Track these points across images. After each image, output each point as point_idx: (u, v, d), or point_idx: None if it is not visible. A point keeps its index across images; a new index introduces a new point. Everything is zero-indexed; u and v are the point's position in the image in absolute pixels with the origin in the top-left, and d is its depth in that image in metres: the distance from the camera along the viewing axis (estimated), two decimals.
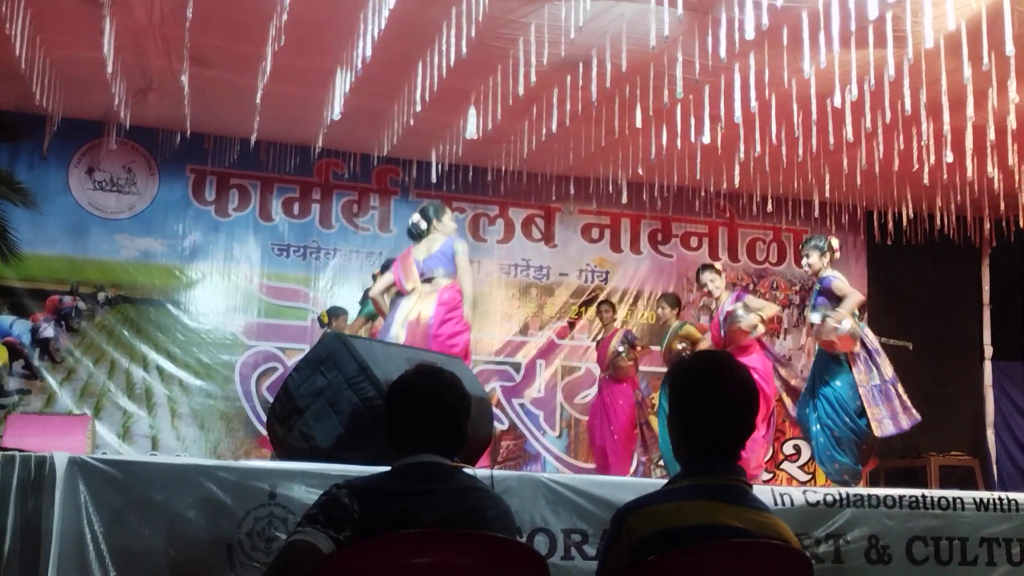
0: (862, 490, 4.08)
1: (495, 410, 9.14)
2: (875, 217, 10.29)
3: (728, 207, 10.60)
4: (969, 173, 7.63)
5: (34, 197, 8.80)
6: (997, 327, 10.93)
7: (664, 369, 8.46)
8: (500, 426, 9.63)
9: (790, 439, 9.20)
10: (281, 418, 4.09)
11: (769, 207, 9.74)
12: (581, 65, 6.66)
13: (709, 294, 7.61)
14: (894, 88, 6.26)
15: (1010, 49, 5.33)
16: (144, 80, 7.87)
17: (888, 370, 6.44)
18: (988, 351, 10.92)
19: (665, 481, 2.57)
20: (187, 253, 9.40)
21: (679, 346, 8.06)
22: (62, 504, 3.05)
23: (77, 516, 3.08)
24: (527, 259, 10.31)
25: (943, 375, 10.79)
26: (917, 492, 4.07)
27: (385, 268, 7.10)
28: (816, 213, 9.58)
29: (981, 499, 4.13)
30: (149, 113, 8.47)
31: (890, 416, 6.32)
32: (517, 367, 10.06)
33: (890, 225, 9.68)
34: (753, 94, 6.30)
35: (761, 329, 7.30)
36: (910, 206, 9.41)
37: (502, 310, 10.08)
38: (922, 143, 7.26)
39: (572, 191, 9.67)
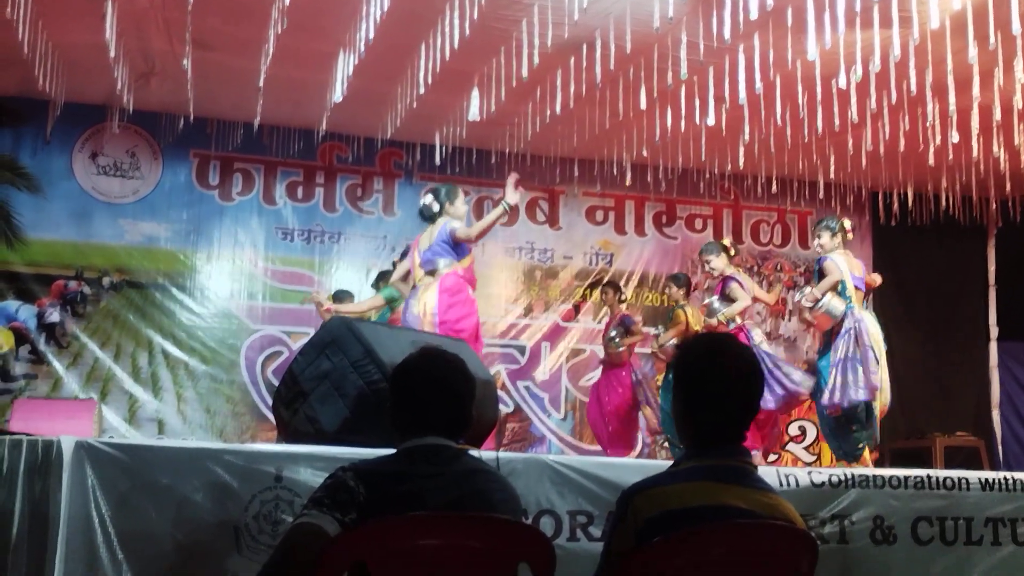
0: (867, 470, 4.09)
1: (500, 393, 9.15)
2: (880, 198, 10.26)
3: (733, 189, 10.58)
4: (975, 153, 7.59)
5: (38, 182, 8.80)
6: (1003, 307, 10.91)
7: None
8: (505, 409, 9.64)
9: (795, 420, 9.19)
10: (286, 402, 4.10)
11: (774, 188, 9.75)
12: (585, 47, 6.64)
13: (708, 274, 7.59)
14: (899, 68, 6.23)
15: (1016, 28, 5.31)
16: (146, 64, 7.86)
17: (866, 338, 6.36)
18: (993, 331, 10.92)
19: (670, 463, 2.57)
20: (191, 238, 9.40)
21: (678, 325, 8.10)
22: (69, 488, 3.06)
23: (84, 500, 3.09)
24: (531, 242, 10.30)
25: (948, 356, 10.80)
26: (922, 472, 4.08)
27: (404, 255, 7.10)
28: (821, 194, 9.55)
29: (986, 479, 4.14)
30: (152, 97, 8.45)
31: (840, 388, 6.28)
32: (522, 350, 10.07)
33: (895, 206, 9.65)
34: (758, 75, 6.28)
35: (738, 321, 7.24)
36: (915, 187, 9.40)
37: (506, 293, 10.08)
38: (927, 123, 7.23)
39: (576, 173, 9.67)
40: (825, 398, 6.36)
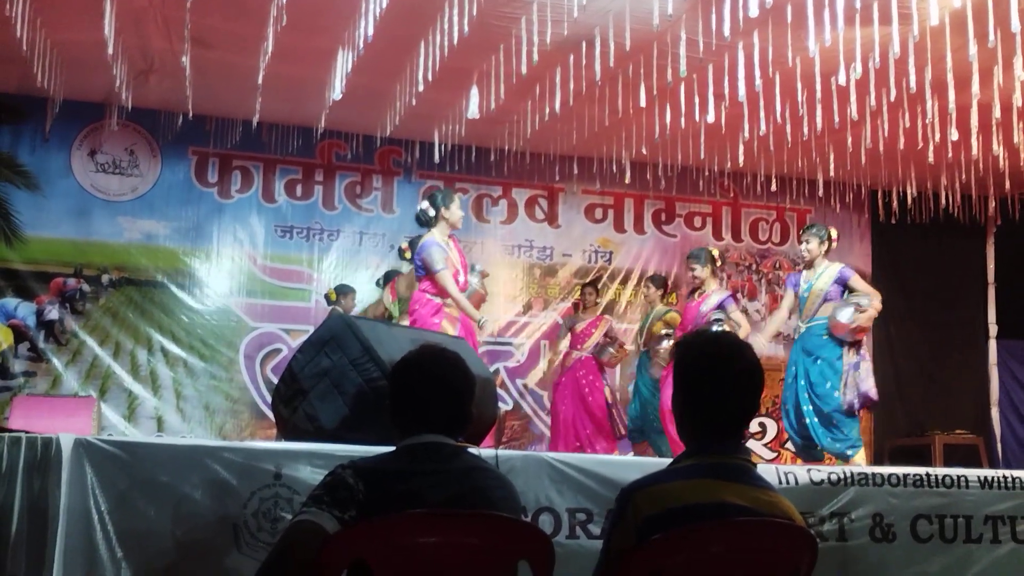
0: (866, 468, 4.09)
1: (499, 391, 9.16)
2: (880, 196, 10.25)
3: (732, 187, 10.57)
4: (974, 151, 7.59)
5: (36, 180, 8.80)
6: (1002, 306, 10.91)
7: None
8: (505, 407, 9.64)
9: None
10: (286, 399, 4.10)
11: (773, 187, 9.74)
12: (584, 44, 6.63)
13: (693, 278, 7.67)
14: (899, 66, 6.22)
15: (1016, 26, 5.30)
16: (145, 61, 7.85)
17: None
18: (993, 330, 10.92)
19: (669, 460, 2.57)
20: (190, 235, 9.38)
21: (662, 331, 8.15)
22: (68, 485, 3.06)
23: (83, 497, 3.09)
24: (530, 240, 10.30)
25: (947, 354, 10.81)
26: (921, 470, 4.08)
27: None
28: (820, 192, 9.55)
29: (985, 477, 4.14)
30: (150, 95, 8.45)
31: (862, 383, 6.57)
32: (521, 348, 10.07)
33: (895, 204, 9.65)
34: (757, 73, 6.27)
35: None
36: (915, 185, 9.38)
37: (505, 291, 10.07)
38: (927, 121, 7.23)
39: (575, 171, 9.66)
40: (850, 396, 6.49)
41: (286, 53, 7.09)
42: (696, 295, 7.62)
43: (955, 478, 4.09)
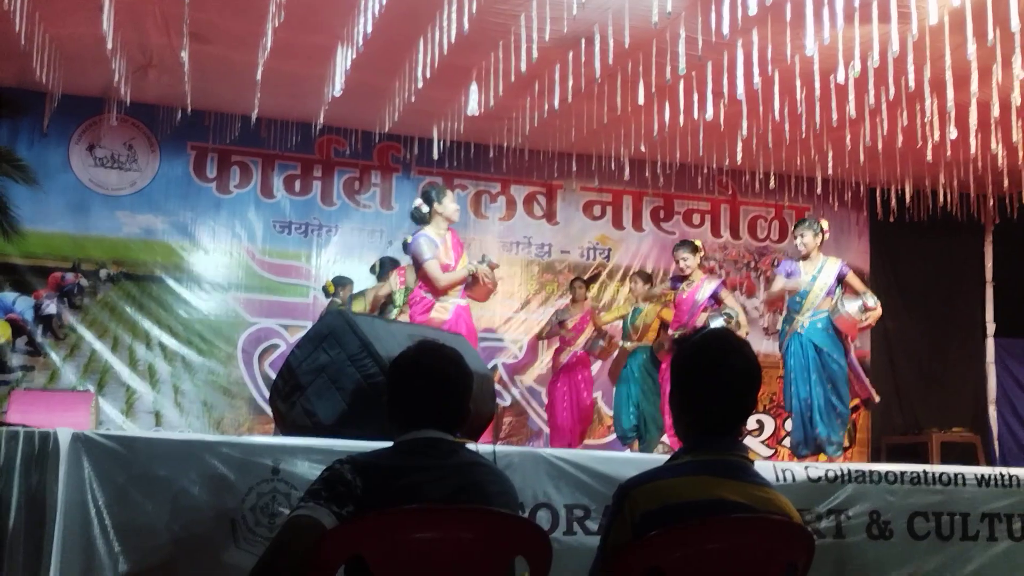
0: (864, 466, 4.10)
1: (497, 387, 9.16)
2: (878, 194, 10.26)
3: (730, 184, 10.58)
4: (973, 150, 7.60)
5: (35, 174, 8.77)
6: (999, 304, 10.92)
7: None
8: (502, 403, 9.65)
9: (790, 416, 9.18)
10: (283, 395, 4.10)
11: (772, 184, 9.72)
12: (583, 41, 6.63)
13: (681, 270, 7.69)
14: (898, 64, 6.22)
15: (1015, 25, 5.30)
16: (144, 56, 7.84)
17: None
18: (990, 328, 10.93)
19: (667, 457, 2.58)
20: (189, 230, 9.39)
21: (648, 321, 8.21)
22: (66, 480, 3.07)
23: (81, 492, 3.09)
24: (529, 236, 10.30)
25: (945, 352, 10.82)
26: (919, 468, 4.08)
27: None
28: (819, 190, 9.55)
29: (982, 475, 4.15)
30: (149, 90, 8.44)
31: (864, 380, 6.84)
32: (519, 344, 10.07)
33: (893, 202, 9.65)
34: (756, 70, 6.27)
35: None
36: (913, 183, 9.38)
37: (504, 288, 10.05)
38: (925, 120, 7.22)
39: (574, 168, 9.65)
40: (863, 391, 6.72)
41: (285, 49, 7.08)
42: (685, 286, 7.66)
43: (952, 476, 4.09)
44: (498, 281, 6.56)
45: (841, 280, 6.77)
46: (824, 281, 6.74)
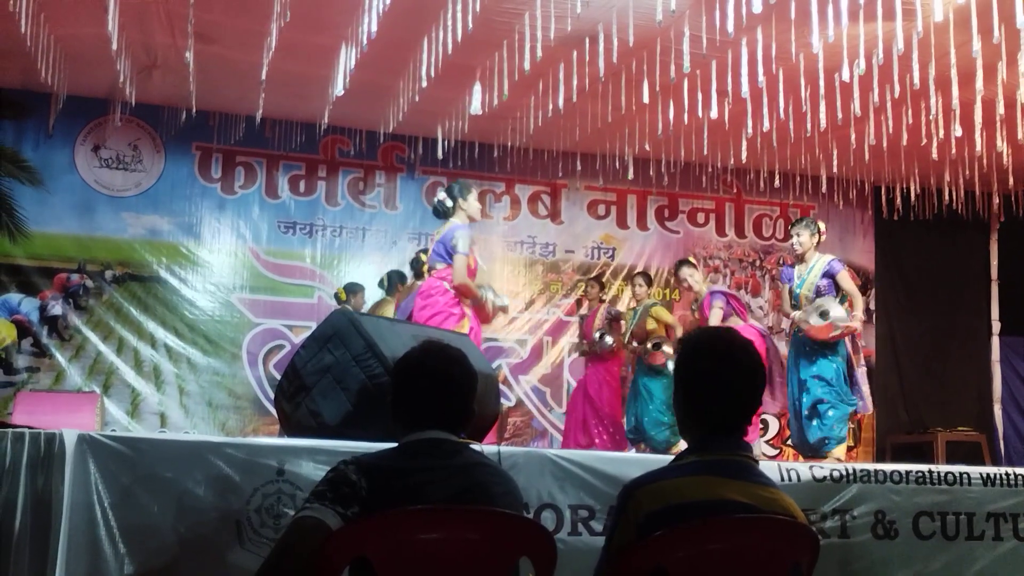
0: (869, 465, 4.09)
1: (502, 387, 9.16)
2: (883, 192, 10.24)
3: (735, 183, 10.57)
4: (978, 148, 7.57)
5: (40, 175, 8.81)
6: (1005, 302, 10.90)
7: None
8: (507, 403, 9.65)
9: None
10: (288, 395, 4.11)
11: (776, 183, 9.71)
12: (588, 40, 6.62)
13: (689, 288, 7.69)
14: (903, 62, 6.22)
15: (1021, 22, 5.28)
16: (149, 57, 7.85)
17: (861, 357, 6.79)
18: (996, 326, 10.91)
19: (671, 457, 2.58)
20: (194, 231, 9.40)
21: (651, 326, 8.19)
22: (72, 481, 3.07)
23: (87, 493, 3.09)
24: (533, 236, 10.30)
25: (950, 351, 10.80)
26: (924, 467, 4.08)
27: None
28: (824, 188, 9.54)
29: (988, 474, 4.14)
30: (154, 90, 8.45)
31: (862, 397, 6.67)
32: (524, 344, 10.07)
33: (898, 200, 9.64)
34: (761, 69, 6.27)
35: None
36: (918, 181, 9.38)
37: (508, 287, 10.05)
38: (931, 117, 7.22)
39: (579, 167, 9.65)
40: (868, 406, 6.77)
41: (289, 49, 7.09)
42: (697, 303, 7.70)
43: (957, 475, 4.08)
44: (498, 317, 6.56)
45: (833, 278, 6.68)
46: (811, 281, 6.72)
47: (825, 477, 3.90)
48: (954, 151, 7.97)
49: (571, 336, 10.18)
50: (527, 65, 6.54)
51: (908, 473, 4.01)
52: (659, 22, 5.62)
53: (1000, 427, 10.65)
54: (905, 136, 7.74)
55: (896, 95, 6.83)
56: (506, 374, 9.83)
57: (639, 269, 10.36)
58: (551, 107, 7.60)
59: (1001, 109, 6.95)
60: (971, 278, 11.04)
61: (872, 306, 10.38)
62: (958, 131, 6.93)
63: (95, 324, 9.01)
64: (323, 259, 9.69)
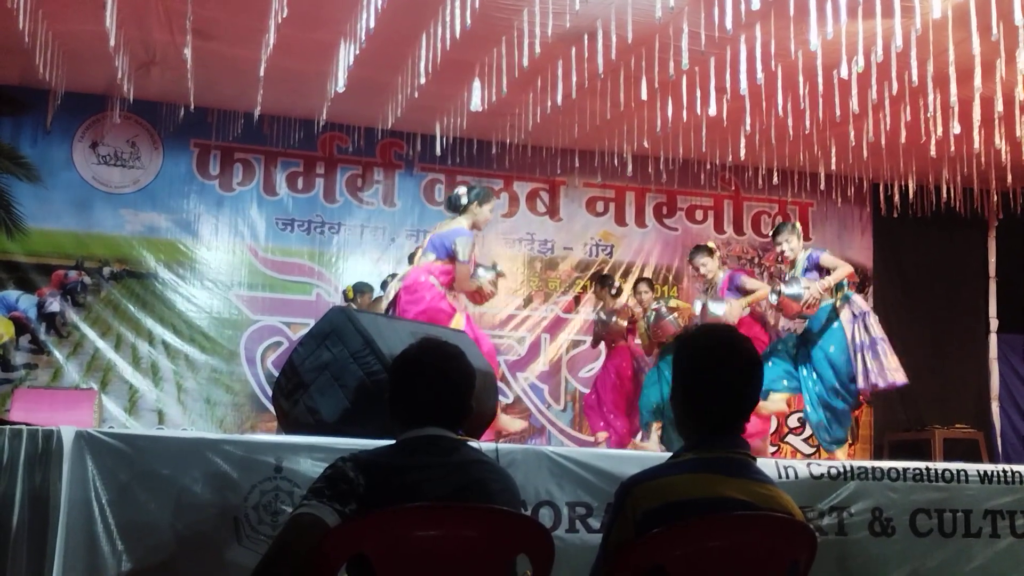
0: (866, 463, 4.09)
1: (500, 384, 9.15)
2: (881, 189, 10.24)
3: (734, 180, 10.57)
4: (976, 145, 7.58)
5: (38, 172, 8.80)
6: (1003, 300, 10.91)
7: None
8: (505, 400, 9.65)
9: (795, 412, 9.16)
10: (286, 392, 4.11)
11: (775, 180, 9.72)
12: (586, 37, 6.62)
13: (703, 277, 7.65)
14: (901, 59, 6.22)
15: (1019, 19, 5.29)
16: (147, 53, 7.84)
17: (878, 330, 6.60)
18: (993, 324, 10.91)
19: (669, 454, 2.58)
20: (192, 227, 9.40)
21: (670, 317, 8.10)
22: (69, 478, 3.07)
23: (84, 490, 3.09)
24: (531, 233, 10.30)
25: (948, 348, 10.80)
26: (921, 464, 4.08)
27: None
28: (822, 186, 9.54)
29: (985, 471, 4.14)
30: (152, 87, 8.44)
31: (878, 371, 6.49)
32: (522, 341, 10.07)
33: (896, 197, 9.64)
34: (759, 66, 6.26)
35: (747, 311, 7.32)
36: (916, 178, 9.38)
37: (506, 284, 10.05)
38: (929, 115, 7.21)
39: (577, 164, 9.65)
40: (861, 382, 6.47)
41: (287, 45, 7.08)
42: (710, 291, 7.63)
43: (955, 472, 4.08)
44: (497, 292, 6.55)
45: (818, 266, 6.63)
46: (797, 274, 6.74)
47: (822, 474, 3.90)
48: (952, 148, 7.97)
49: (569, 333, 10.18)
50: (525, 61, 6.54)
51: (905, 470, 4.01)
52: (658, 19, 5.62)
53: (998, 424, 10.66)
54: (903, 133, 7.74)
55: (895, 92, 6.83)
56: (504, 371, 9.81)
57: (637, 266, 10.38)
58: (550, 104, 7.59)
59: (999, 107, 6.96)
60: (969, 275, 11.05)
61: (870, 303, 10.37)
62: (956, 128, 6.92)
63: (93, 321, 9.00)
64: (321, 256, 9.69)
